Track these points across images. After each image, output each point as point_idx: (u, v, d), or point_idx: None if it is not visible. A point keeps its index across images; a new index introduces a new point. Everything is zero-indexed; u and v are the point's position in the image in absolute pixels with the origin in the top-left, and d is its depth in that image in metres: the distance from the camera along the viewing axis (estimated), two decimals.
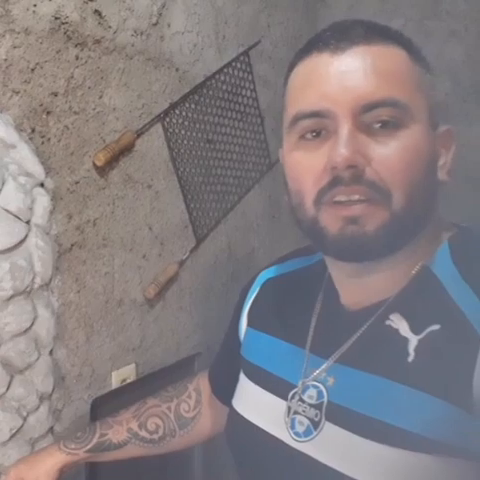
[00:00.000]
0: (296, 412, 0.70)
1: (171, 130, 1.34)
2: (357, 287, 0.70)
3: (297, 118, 0.66)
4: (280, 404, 0.73)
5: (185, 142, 1.39)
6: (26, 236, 0.96)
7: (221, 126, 1.50)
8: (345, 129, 0.62)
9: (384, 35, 0.65)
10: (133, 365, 1.26)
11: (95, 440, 0.92)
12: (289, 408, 0.72)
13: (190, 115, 1.40)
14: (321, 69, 0.65)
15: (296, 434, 0.69)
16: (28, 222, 0.97)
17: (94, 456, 0.94)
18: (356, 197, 0.62)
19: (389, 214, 0.62)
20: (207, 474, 1.36)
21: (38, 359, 0.99)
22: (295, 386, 0.72)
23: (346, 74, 0.63)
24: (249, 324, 0.87)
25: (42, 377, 1.00)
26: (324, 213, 0.64)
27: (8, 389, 0.95)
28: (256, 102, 1.64)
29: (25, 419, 0.98)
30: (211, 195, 1.49)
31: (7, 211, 0.92)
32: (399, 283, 0.68)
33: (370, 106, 0.62)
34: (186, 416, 0.98)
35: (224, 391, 0.91)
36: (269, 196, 1.76)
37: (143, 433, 0.95)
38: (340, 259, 0.69)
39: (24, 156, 0.96)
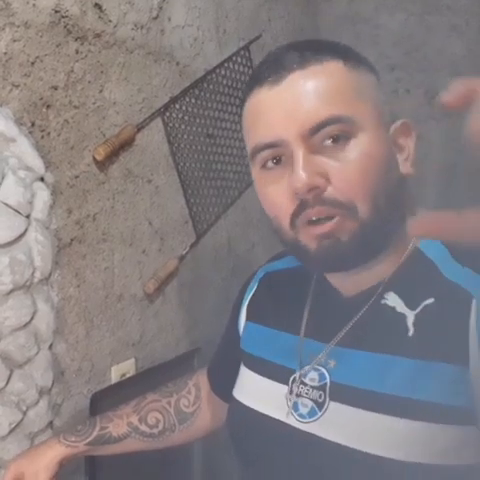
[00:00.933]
0: (298, 395, 0.73)
1: (171, 124, 1.33)
2: (350, 280, 0.73)
3: (255, 152, 0.69)
4: (281, 389, 0.75)
5: (185, 137, 1.38)
6: (26, 230, 0.96)
7: (221, 121, 1.50)
8: (299, 155, 0.64)
9: (318, 53, 0.67)
10: (133, 360, 1.26)
11: (95, 433, 0.93)
12: (291, 391, 0.74)
13: (190, 109, 1.39)
14: (264, 103, 0.67)
15: (300, 416, 0.71)
16: (28, 216, 0.96)
17: (94, 449, 0.94)
18: (324, 215, 0.65)
19: (358, 224, 0.65)
20: (206, 469, 1.36)
21: (38, 353, 0.99)
22: (294, 371, 0.75)
23: (288, 102, 0.65)
24: (248, 318, 0.89)
25: (42, 371, 1.00)
26: (301, 234, 0.67)
27: (7, 383, 0.94)
28: None
29: (25, 413, 0.98)
30: (211, 190, 1.49)
31: (7, 205, 0.92)
32: (391, 266, 0.71)
33: (316, 128, 0.64)
34: (186, 411, 0.99)
35: (222, 388, 0.93)
36: None
37: (143, 427, 0.95)
38: (325, 272, 0.75)
39: (24, 150, 0.96)
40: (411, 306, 0.67)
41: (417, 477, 0.61)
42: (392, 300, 0.68)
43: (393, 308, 0.68)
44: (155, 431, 0.96)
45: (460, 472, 0.60)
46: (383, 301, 0.69)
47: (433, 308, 0.65)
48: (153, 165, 1.30)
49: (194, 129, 1.41)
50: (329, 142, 0.65)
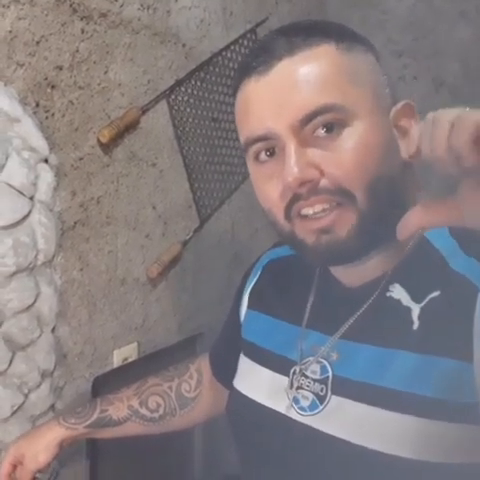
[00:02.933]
0: (299, 387, 0.71)
1: (176, 107, 1.32)
2: (352, 271, 0.71)
3: (247, 144, 0.67)
4: (281, 380, 0.74)
5: (190, 120, 1.37)
6: (29, 212, 0.95)
7: (227, 104, 1.48)
8: (291, 148, 0.62)
9: (309, 37, 0.64)
10: (135, 344, 1.26)
11: (95, 416, 0.93)
12: (292, 384, 0.72)
13: (196, 92, 1.38)
14: (253, 94, 0.65)
15: (301, 409, 0.70)
16: (31, 198, 0.95)
17: (94, 432, 0.94)
18: (320, 208, 0.63)
19: (356, 216, 0.63)
20: (207, 454, 1.37)
21: (40, 336, 0.99)
22: (295, 363, 0.73)
23: (276, 93, 0.63)
24: (249, 306, 0.88)
25: (44, 354, 0.99)
26: (297, 227, 0.66)
27: (10, 366, 0.94)
28: None
29: (26, 396, 0.98)
30: (215, 175, 1.48)
31: (10, 186, 0.91)
32: (396, 256, 0.68)
33: (307, 119, 0.62)
34: (187, 396, 0.98)
35: (224, 374, 0.92)
36: None
37: (144, 411, 0.95)
38: (324, 265, 0.74)
39: (28, 131, 0.94)
40: (416, 299, 0.65)
41: (420, 475, 0.60)
42: (397, 292, 0.66)
43: (398, 301, 0.66)
44: (155, 415, 0.96)
45: (466, 471, 0.58)
46: (388, 293, 0.67)
47: (439, 301, 0.63)
48: (158, 148, 1.28)
49: (199, 112, 1.39)
50: (322, 132, 0.63)
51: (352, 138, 0.62)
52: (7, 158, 0.91)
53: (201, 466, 1.35)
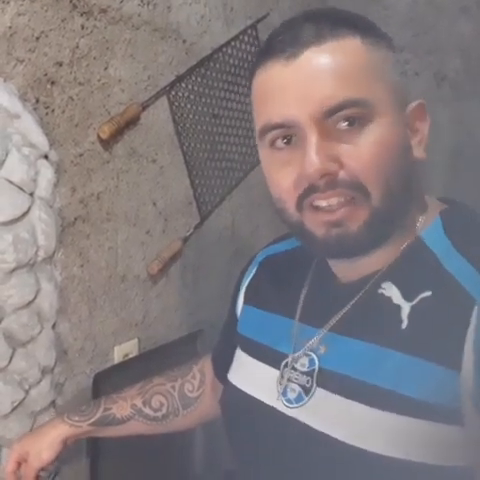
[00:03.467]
0: (288, 380, 0.72)
1: (177, 104, 1.31)
2: (350, 266, 0.71)
3: (264, 130, 0.66)
4: (272, 373, 0.74)
5: (190, 116, 1.37)
6: (29, 208, 0.95)
7: (227, 101, 1.48)
8: (312, 138, 0.62)
9: (336, 27, 0.63)
10: (135, 340, 1.26)
11: (99, 414, 0.93)
12: (281, 376, 0.73)
13: (196, 89, 1.37)
14: (277, 80, 0.64)
15: (288, 401, 0.70)
16: (32, 194, 0.95)
17: (97, 430, 0.94)
18: (335, 201, 0.63)
19: (369, 211, 0.63)
20: (207, 449, 1.37)
21: (40, 332, 0.99)
22: (286, 356, 0.74)
23: (303, 81, 0.62)
24: (245, 302, 0.88)
25: (44, 350, 0.99)
26: (308, 217, 0.66)
27: (10, 362, 0.94)
28: None
29: (27, 392, 0.98)
30: (216, 171, 1.47)
31: (10, 182, 0.91)
32: (391, 255, 0.68)
33: (331, 111, 0.61)
34: (190, 396, 0.98)
35: (225, 374, 0.92)
36: None
37: (147, 410, 0.95)
38: (330, 258, 0.73)
39: (28, 127, 0.94)
40: (408, 297, 0.64)
41: (400, 473, 0.59)
42: (389, 290, 0.66)
43: (389, 298, 0.66)
44: (159, 414, 0.96)
45: (445, 473, 0.58)
46: (380, 290, 0.67)
47: (430, 302, 0.62)
48: (158, 145, 1.28)
49: (200, 109, 1.39)
50: (344, 125, 0.62)
51: (373, 134, 0.62)
52: (7, 154, 0.91)
53: (201, 461, 1.35)
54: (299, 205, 0.65)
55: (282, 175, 0.66)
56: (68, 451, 0.95)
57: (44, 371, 1.00)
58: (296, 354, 0.72)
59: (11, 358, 0.94)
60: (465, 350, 0.57)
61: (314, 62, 0.62)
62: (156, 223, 1.30)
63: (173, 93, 1.30)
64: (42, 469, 0.91)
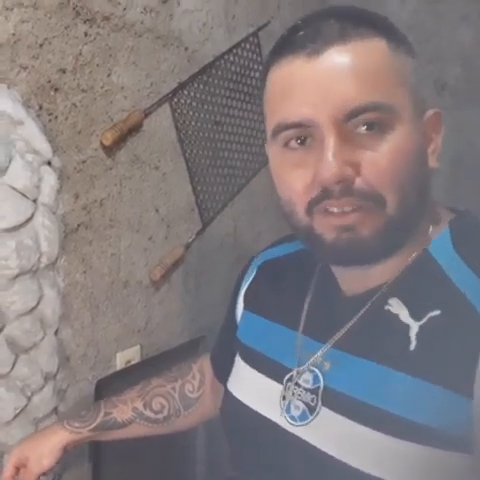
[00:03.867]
0: (292, 396, 0.70)
1: (179, 111, 1.32)
2: (355, 276, 0.68)
3: (278, 129, 0.63)
4: (275, 387, 0.72)
5: (193, 123, 1.37)
6: (33, 215, 0.95)
7: (229, 108, 1.48)
8: (331, 141, 0.59)
9: (361, 26, 0.60)
10: (138, 347, 1.26)
11: (99, 419, 0.92)
12: (285, 391, 0.71)
13: (198, 96, 1.38)
14: (298, 76, 0.60)
15: (291, 418, 0.68)
16: (35, 201, 0.95)
17: (98, 435, 0.93)
18: (349, 208, 0.60)
19: (384, 219, 0.60)
20: (209, 455, 1.36)
21: (43, 339, 0.99)
22: (290, 370, 0.71)
23: (324, 80, 0.59)
24: (245, 307, 0.86)
25: (47, 357, 0.99)
26: (318, 221, 0.63)
27: (13, 368, 0.94)
28: None
29: (29, 399, 0.98)
30: (218, 178, 1.48)
31: (14, 189, 0.91)
32: (398, 268, 0.66)
33: (353, 114, 0.58)
34: (190, 397, 0.97)
35: (224, 373, 0.91)
36: None
37: (148, 413, 0.94)
38: (338, 265, 0.69)
39: (31, 133, 0.95)
40: (416, 316, 0.61)
41: None
42: (396, 307, 0.63)
43: (396, 315, 0.63)
44: (160, 417, 0.95)
45: None
46: (386, 306, 0.64)
47: (439, 322, 0.60)
48: (160, 151, 1.28)
49: (202, 116, 1.40)
50: (363, 129, 0.59)
51: (394, 141, 0.59)
52: (10, 161, 0.91)
53: (203, 467, 1.34)
54: (309, 210, 0.62)
55: (294, 177, 0.63)
56: (70, 455, 0.95)
57: (46, 377, 1.00)
58: (300, 368, 0.70)
59: (14, 364, 0.94)
60: (477, 374, 0.55)
61: (338, 61, 0.59)
62: (158, 229, 1.30)
63: (175, 100, 1.30)
64: (42, 475, 0.90)
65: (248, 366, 0.79)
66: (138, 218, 1.24)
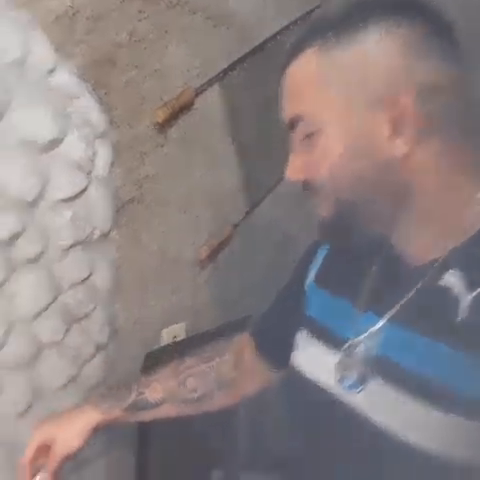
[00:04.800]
0: (347, 366, 0.71)
1: (229, 91, 1.32)
2: (419, 246, 0.68)
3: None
4: (332, 358, 0.73)
5: (243, 104, 1.37)
6: (87, 187, 0.96)
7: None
8: (295, 143, 0.67)
9: (308, 37, 0.65)
10: (183, 324, 1.27)
11: (131, 399, 0.89)
12: (340, 362, 0.72)
13: (249, 77, 1.37)
14: (283, 80, 0.68)
15: (345, 387, 0.70)
16: (89, 173, 0.97)
17: (130, 415, 0.90)
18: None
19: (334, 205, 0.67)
20: (254, 435, 1.37)
21: (95, 309, 1.00)
22: (348, 340, 0.72)
23: (284, 91, 0.67)
24: (316, 282, 0.85)
25: (98, 327, 1.01)
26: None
27: (65, 337, 0.96)
28: None
29: (80, 368, 1.00)
30: (267, 160, 1.47)
31: (69, 160, 0.93)
32: (459, 239, 0.64)
33: (289, 125, 0.67)
34: (225, 377, 0.95)
35: (270, 349, 0.90)
36: None
37: (181, 392, 0.92)
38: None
39: (87, 107, 0.96)
40: (470, 287, 0.61)
41: (452, 475, 0.58)
42: (452, 279, 0.63)
43: (451, 288, 0.63)
44: (193, 396, 0.92)
45: None
46: (443, 279, 0.64)
47: None
48: (210, 131, 1.29)
49: (252, 97, 1.39)
50: (302, 137, 0.66)
51: (328, 144, 0.64)
52: (66, 133, 0.92)
53: (247, 444, 1.34)
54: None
55: None
56: (115, 444, 0.93)
57: (98, 348, 1.02)
58: (356, 340, 0.71)
59: (66, 333, 0.96)
60: None
61: (291, 72, 0.66)
62: (206, 209, 1.30)
63: (226, 80, 1.30)
64: (68, 458, 0.84)
65: (312, 338, 0.79)
66: (186, 197, 1.24)
